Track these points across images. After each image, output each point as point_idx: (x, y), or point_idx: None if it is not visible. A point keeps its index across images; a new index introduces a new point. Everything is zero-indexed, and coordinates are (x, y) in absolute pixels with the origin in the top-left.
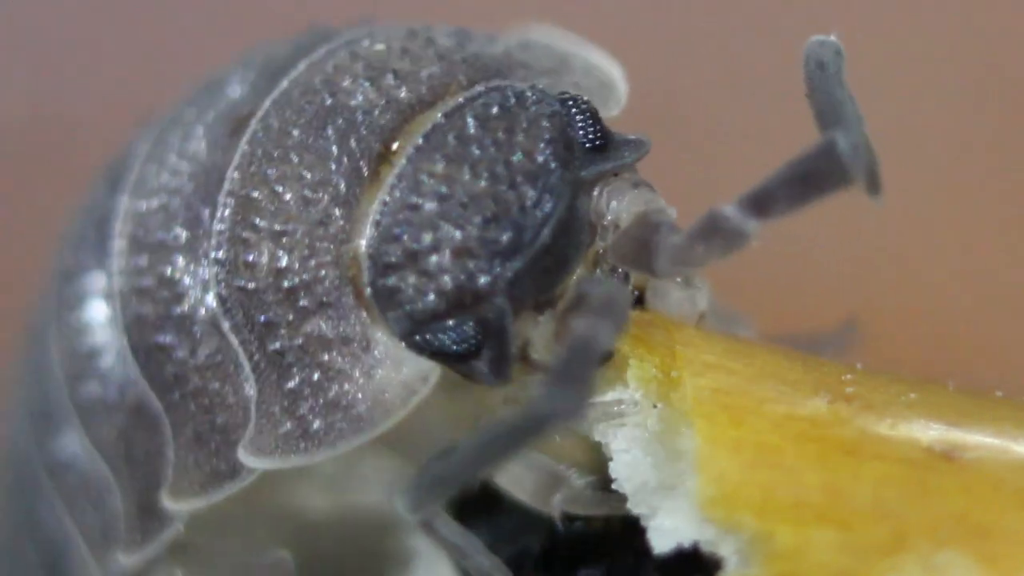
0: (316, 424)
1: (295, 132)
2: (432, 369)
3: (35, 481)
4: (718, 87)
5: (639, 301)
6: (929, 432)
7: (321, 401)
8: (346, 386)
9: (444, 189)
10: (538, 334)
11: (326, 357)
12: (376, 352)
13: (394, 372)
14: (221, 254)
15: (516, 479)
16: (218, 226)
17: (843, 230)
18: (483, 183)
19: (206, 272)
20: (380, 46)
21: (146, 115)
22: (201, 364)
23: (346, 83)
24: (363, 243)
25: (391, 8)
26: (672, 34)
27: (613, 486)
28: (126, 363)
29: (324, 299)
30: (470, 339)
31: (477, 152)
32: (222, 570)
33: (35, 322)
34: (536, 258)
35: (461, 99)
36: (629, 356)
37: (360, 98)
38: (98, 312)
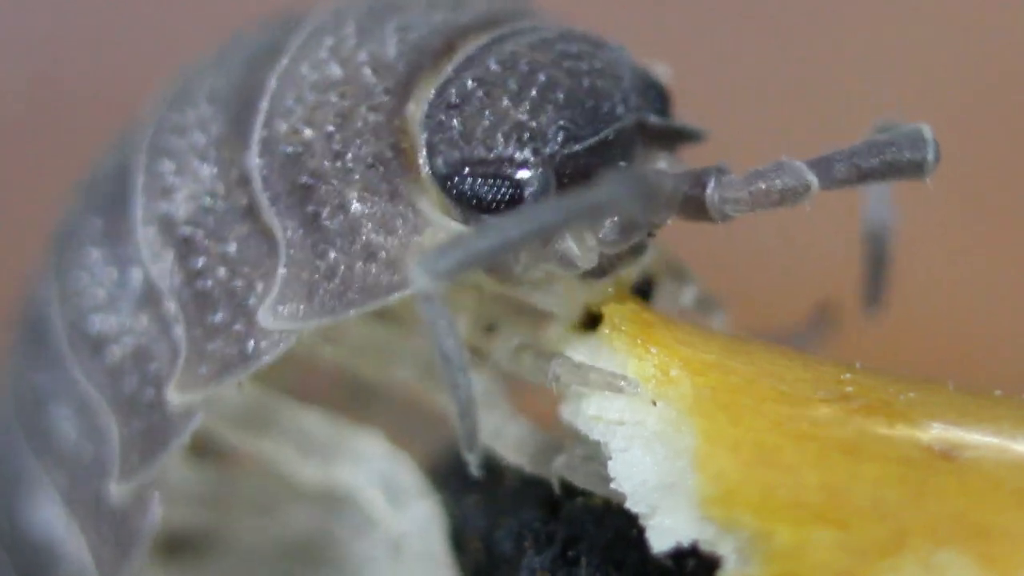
0: (349, 281)
1: (352, 24)
2: None
3: (20, 476)
4: (723, 93)
5: (644, 295)
6: (928, 431)
7: (358, 259)
8: (387, 242)
9: (523, 67)
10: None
11: (369, 216)
12: (419, 215)
13: (436, 234)
14: (268, 125)
15: (518, 443)
16: (265, 103)
17: (839, 228)
18: (560, 73)
19: (241, 155)
20: None
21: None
22: (230, 250)
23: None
24: (420, 107)
25: None
26: (672, 36)
27: (612, 485)
28: (143, 275)
29: (371, 160)
30: (510, 193)
31: (560, 49)
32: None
33: (24, 309)
34: (589, 151)
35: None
36: (629, 355)
37: (424, 7)
38: (108, 239)
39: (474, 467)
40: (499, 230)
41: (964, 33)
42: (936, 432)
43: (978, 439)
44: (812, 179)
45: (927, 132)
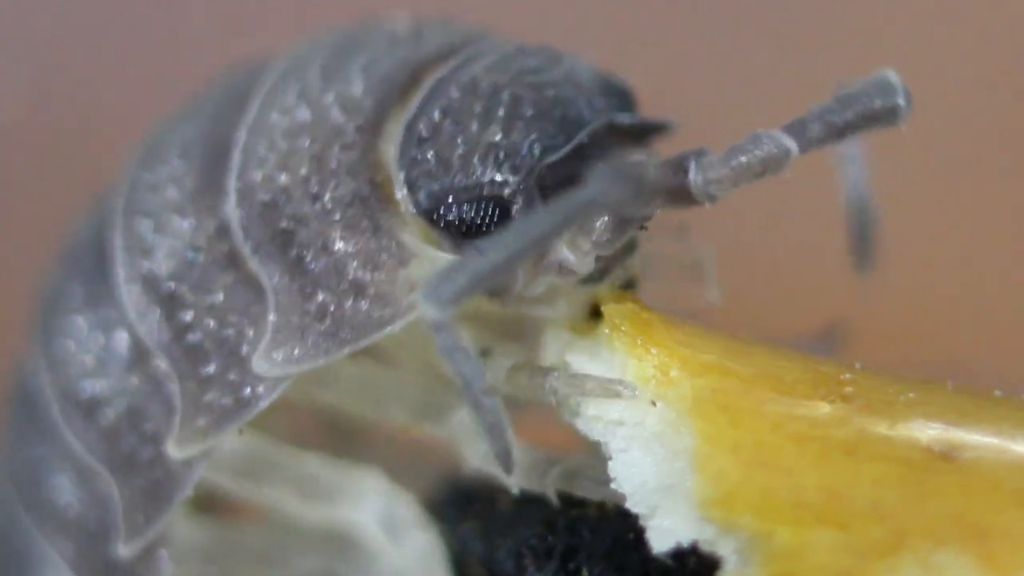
0: (340, 320)
1: (317, 67)
2: None
3: (26, 553)
4: (713, 89)
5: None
6: (928, 432)
7: (347, 297)
8: (374, 278)
9: (486, 89)
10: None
11: (353, 254)
12: (404, 248)
13: (422, 265)
14: (242, 175)
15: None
16: (237, 155)
17: (834, 230)
18: (523, 88)
19: (219, 206)
20: (402, 24)
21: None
22: (216, 301)
23: (370, 36)
24: (392, 142)
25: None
26: (667, 35)
27: (612, 485)
28: (129, 336)
29: (349, 199)
30: (497, 213)
31: (518, 66)
32: None
33: (14, 385)
34: (566, 159)
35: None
36: (628, 355)
37: (385, 44)
38: (91, 304)
39: (514, 486)
40: (498, 247)
41: (942, 36)
42: (936, 432)
43: (978, 439)
44: (791, 144)
45: (893, 77)
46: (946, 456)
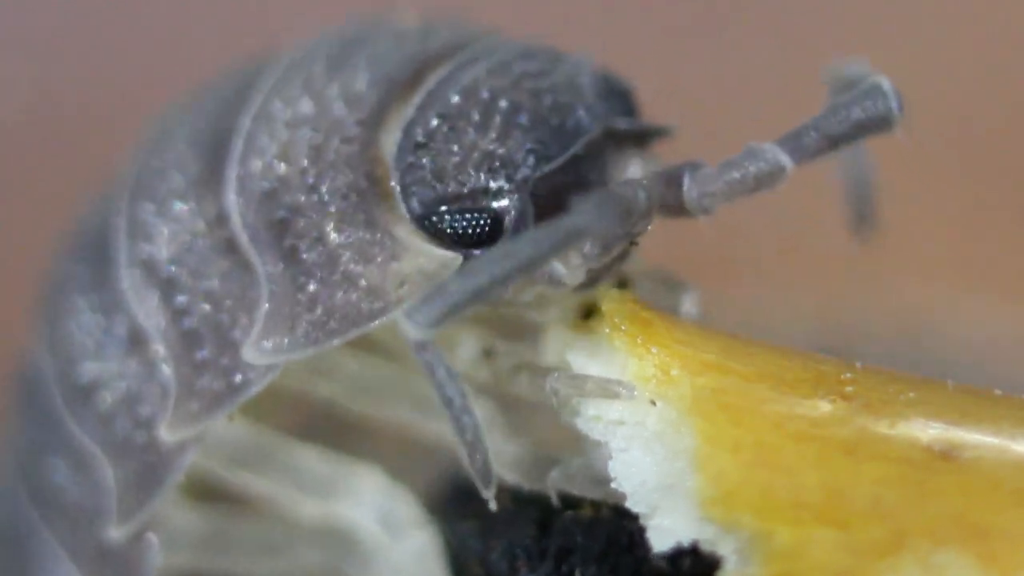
0: (331, 311)
1: (322, 59)
2: (454, 259)
3: (27, 536)
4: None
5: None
6: (928, 431)
7: (339, 288)
8: (366, 271)
9: (484, 95)
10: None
11: (346, 246)
12: (397, 242)
13: (415, 260)
14: (243, 163)
15: (515, 461)
16: (239, 143)
17: (835, 229)
18: (522, 95)
19: (220, 193)
20: (409, 22)
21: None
22: (212, 286)
23: (378, 31)
24: (392, 138)
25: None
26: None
27: (612, 485)
28: (129, 319)
29: (346, 191)
30: (489, 224)
31: (519, 70)
32: None
33: (19, 368)
34: (562, 169)
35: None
36: (629, 355)
37: (392, 39)
38: (94, 287)
39: (492, 501)
40: (481, 272)
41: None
42: (936, 432)
43: (978, 439)
44: (784, 159)
45: (885, 84)
46: (946, 456)
